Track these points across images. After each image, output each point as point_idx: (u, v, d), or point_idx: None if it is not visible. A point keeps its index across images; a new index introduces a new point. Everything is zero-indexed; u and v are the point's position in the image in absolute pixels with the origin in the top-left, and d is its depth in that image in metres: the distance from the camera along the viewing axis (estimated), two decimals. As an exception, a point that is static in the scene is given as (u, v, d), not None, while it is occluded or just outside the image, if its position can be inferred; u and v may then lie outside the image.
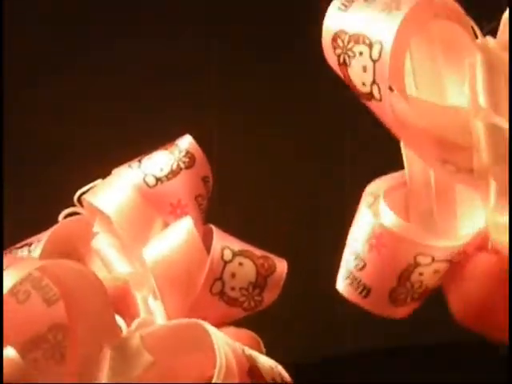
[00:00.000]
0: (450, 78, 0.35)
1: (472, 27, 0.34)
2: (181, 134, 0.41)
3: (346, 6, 0.33)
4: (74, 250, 0.41)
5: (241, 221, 0.58)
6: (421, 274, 0.33)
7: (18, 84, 0.60)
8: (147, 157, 0.41)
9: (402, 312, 0.34)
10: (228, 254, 0.38)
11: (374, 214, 0.34)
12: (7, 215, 0.45)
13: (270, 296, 0.39)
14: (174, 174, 0.40)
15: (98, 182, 0.41)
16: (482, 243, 0.33)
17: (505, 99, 0.34)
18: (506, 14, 0.34)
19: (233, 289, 0.38)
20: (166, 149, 0.41)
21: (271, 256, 0.40)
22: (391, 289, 0.33)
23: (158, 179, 0.40)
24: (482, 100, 0.34)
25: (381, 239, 0.32)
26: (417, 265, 0.32)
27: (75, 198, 0.41)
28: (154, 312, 0.39)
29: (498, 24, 0.35)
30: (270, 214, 0.58)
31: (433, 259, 0.32)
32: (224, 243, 0.39)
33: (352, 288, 0.33)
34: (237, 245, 0.39)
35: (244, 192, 0.59)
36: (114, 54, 0.63)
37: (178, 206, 0.40)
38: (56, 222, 0.41)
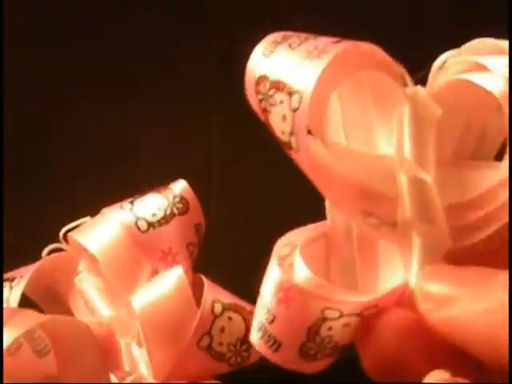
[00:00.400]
0: (380, 128, 0.35)
1: (402, 76, 0.33)
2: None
3: (270, 52, 0.33)
4: (57, 288, 0.41)
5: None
6: (330, 329, 0.32)
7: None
8: (140, 199, 0.40)
9: (313, 367, 0.33)
10: (218, 308, 0.38)
11: (288, 265, 0.33)
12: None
13: (256, 352, 0.37)
14: (166, 220, 0.39)
15: (86, 219, 0.41)
16: (397, 298, 0.32)
17: (431, 152, 0.33)
18: (437, 63, 0.33)
19: (220, 344, 0.38)
20: (160, 192, 0.40)
21: None
22: (301, 343, 0.32)
23: (150, 224, 0.39)
24: (408, 152, 0.33)
25: (289, 293, 0.32)
26: (325, 319, 0.31)
27: (61, 234, 0.41)
28: (137, 360, 0.39)
29: (429, 72, 0.34)
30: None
31: (341, 314, 0.31)
32: (215, 296, 0.38)
33: (263, 341, 0.32)
34: (227, 298, 0.39)
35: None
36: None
37: (168, 253, 0.39)
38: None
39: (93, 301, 0.41)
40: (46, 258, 0.41)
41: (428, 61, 0.34)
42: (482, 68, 0.31)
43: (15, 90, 0.59)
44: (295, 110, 0.31)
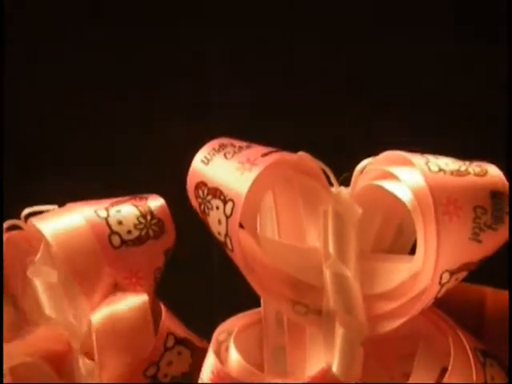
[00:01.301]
0: (308, 223, 0.38)
1: (328, 177, 0.37)
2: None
3: (208, 160, 0.36)
4: (9, 270, 0.42)
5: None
6: None
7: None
8: (116, 209, 0.40)
9: None
10: (171, 341, 0.39)
11: (224, 350, 0.36)
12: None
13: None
14: (140, 241, 0.40)
15: (54, 207, 0.41)
16: (321, 381, 0.36)
17: (352, 247, 0.37)
18: (358, 167, 0.37)
19: (165, 376, 0.39)
20: (137, 206, 0.41)
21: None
22: None
23: (123, 242, 0.40)
24: (331, 247, 0.37)
25: (223, 380, 0.35)
26: None
27: (22, 214, 0.41)
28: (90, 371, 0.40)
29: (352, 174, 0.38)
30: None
31: None
32: (170, 328, 0.39)
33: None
34: (182, 331, 0.40)
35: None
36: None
37: (135, 275, 0.40)
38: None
39: (43, 300, 0.41)
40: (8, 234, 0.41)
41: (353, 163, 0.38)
42: (393, 177, 0.35)
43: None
44: (229, 217, 0.35)
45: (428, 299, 0.34)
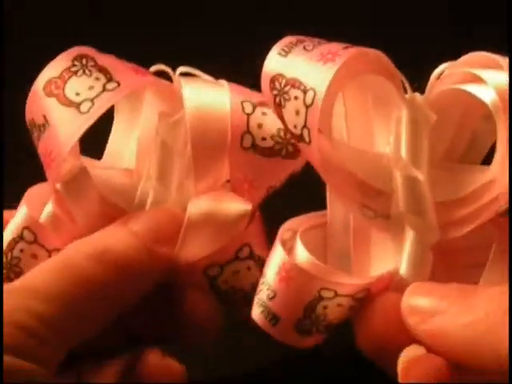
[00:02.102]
0: (378, 128, 0.38)
1: (402, 82, 0.37)
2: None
3: (286, 52, 0.36)
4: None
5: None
6: (325, 308, 0.35)
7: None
8: (263, 110, 0.38)
9: (307, 342, 0.36)
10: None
11: (288, 249, 0.36)
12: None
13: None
14: (271, 153, 0.38)
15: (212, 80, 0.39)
16: (387, 283, 0.35)
17: (424, 153, 0.36)
18: (435, 73, 0.37)
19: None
20: None
21: None
22: (297, 319, 0.35)
23: (254, 146, 0.38)
24: (404, 152, 0.36)
25: (289, 273, 0.34)
26: (321, 298, 0.34)
27: (178, 70, 0.39)
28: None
29: (427, 82, 0.37)
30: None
31: (335, 294, 0.34)
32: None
33: (263, 316, 0.35)
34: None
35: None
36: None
37: (249, 182, 0.38)
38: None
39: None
40: None
41: (429, 70, 0.37)
42: (476, 79, 0.35)
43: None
44: (309, 106, 0.34)
45: (505, 198, 0.34)
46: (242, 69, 0.39)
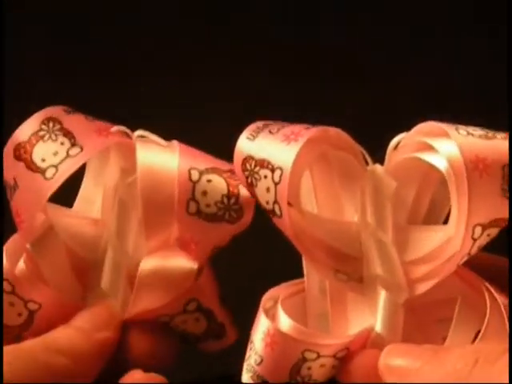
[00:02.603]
0: (345, 199, 0.41)
1: (363, 155, 0.40)
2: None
3: (253, 137, 0.39)
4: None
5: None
6: (309, 369, 0.37)
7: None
8: (208, 177, 0.40)
9: (297, 403, 0.38)
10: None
11: (271, 316, 0.39)
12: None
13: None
14: (214, 219, 0.40)
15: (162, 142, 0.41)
16: (365, 341, 0.38)
17: (389, 218, 0.40)
18: (392, 144, 0.40)
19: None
20: (229, 184, 0.40)
21: None
22: (285, 382, 0.37)
23: (198, 212, 0.40)
24: (370, 219, 0.40)
25: (274, 338, 0.37)
26: (305, 360, 0.37)
27: (137, 133, 0.41)
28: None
29: (385, 153, 0.41)
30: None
31: (318, 355, 0.37)
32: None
33: (252, 380, 0.38)
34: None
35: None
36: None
37: (195, 243, 0.40)
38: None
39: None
40: None
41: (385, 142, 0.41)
42: (430, 147, 0.38)
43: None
44: (277, 183, 0.37)
45: (462, 254, 0.37)
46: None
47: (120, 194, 0.42)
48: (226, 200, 0.40)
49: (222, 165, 0.41)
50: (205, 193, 0.39)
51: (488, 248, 0.38)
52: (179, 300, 0.40)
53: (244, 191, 0.40)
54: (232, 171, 0.40)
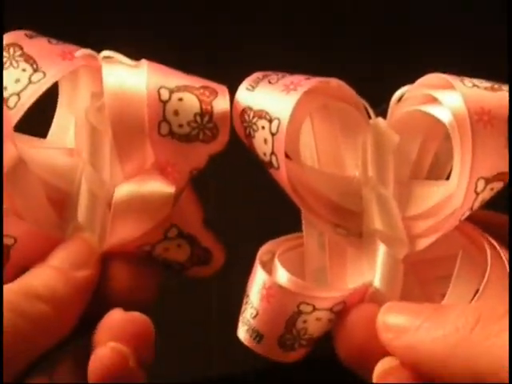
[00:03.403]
0: (347, 152, 0.40)
1: (366, 109, 0.39)
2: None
3: (253, 87, 0.38)
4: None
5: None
6: (305, 322, 0.37)
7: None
8: (179, 95, 0.38)
9: (292, 356, 0.38)
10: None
11: (268, 270, 0.38)
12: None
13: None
14: (188, 139, 0.38)
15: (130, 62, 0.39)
16: (362, 296, 0.38)
17: (390, 172, 0.39)
18: (395, 96, 0.39)
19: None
20: (201, 101, 0.38)
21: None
22: (280, 335, 0.37)
23: (171, 133, 0.38)
24: (372, 173, 0.39)
25: (270, 290, 0.37)
26: (300, 313, 0.36)
27: (102, 53, 0.39)
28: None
29: (388, 106, 0.40)
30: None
31: (314, 308, 0.36)
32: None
33: (248, 334, 0.37)
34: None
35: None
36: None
37: (171, 166, 0.38)
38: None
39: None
40: None
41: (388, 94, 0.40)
42: (434, 100, 0.37)
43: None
44: (274, 134, 0.37)
45: (464, 209, 0.36)
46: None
47: (91, 120, 0.40)
48: (199, 119, 0.38)
49: (194, 81, 0.38)
50: (176, 112, 0.38)
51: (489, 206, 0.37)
52: (159, 227, 0.39)
53: (218, 108, 0.38)
54: (205, 87, 0.38)
